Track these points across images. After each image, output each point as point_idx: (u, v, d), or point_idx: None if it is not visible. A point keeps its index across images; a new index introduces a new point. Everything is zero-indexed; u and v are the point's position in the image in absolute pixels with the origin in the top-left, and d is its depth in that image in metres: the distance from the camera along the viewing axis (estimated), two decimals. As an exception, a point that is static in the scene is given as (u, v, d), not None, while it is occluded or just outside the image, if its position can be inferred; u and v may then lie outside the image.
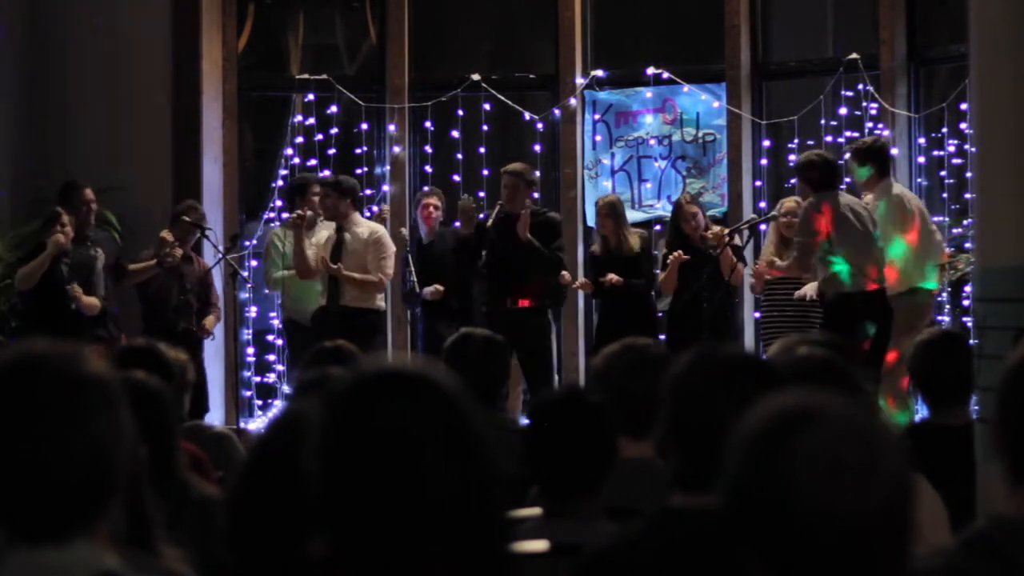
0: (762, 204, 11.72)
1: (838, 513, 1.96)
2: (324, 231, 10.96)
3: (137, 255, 11.04)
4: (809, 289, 9.99)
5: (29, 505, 2.17)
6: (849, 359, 4.04)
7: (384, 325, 11.17)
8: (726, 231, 10.50)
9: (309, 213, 10.99)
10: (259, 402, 12.09)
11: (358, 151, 12.46)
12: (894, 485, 1.99)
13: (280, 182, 12.30)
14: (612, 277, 10.63)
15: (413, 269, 10.94)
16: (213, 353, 11.70)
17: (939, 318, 10.94)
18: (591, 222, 11.86)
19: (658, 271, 10.83)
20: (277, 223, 12.02)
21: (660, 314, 11.09)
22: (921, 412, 7.97)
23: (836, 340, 4.21)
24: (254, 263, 12.18)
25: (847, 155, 10.74)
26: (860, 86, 11.52)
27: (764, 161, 11.97)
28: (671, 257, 10.56)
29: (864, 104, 11.48)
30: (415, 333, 11.77)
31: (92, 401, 2.19)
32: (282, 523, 2.45)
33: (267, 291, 11.71)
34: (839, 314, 9.21)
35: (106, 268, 10.81)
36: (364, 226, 10.91)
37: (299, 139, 12.40)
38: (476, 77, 12.41)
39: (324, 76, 12.54)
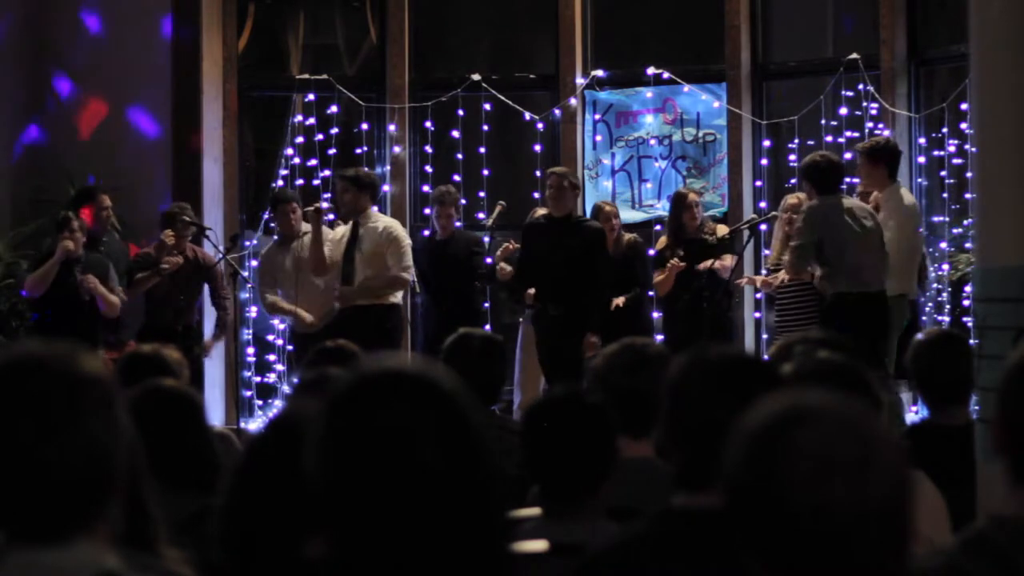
0: (762, 204, 11.72)
1: (834, 512, 1.96)
2: (340, 228, 10.93)
3: (137, 255, 11.03)
4: (780, 276, 9.91)
5: (28, 505, 2.17)
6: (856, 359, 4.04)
7: (399, 319, 11.05)
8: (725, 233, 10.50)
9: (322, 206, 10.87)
10: (259, 402, 12.07)
11: (358, 151, 12.45)
12: (891, 483, 1.99)
13: (280, 182, 12.27)
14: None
15: (412, 268, 10.90)
16: (213, 353, 11.69)
17: (939, 318, 10.94)
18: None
19: (655, 271, 10.76)
20: (275, 235, 11.77)
21: (659, 314, 11.06)
22: (921, 412, 7.96)
23: (838, 339, 4.21)
24: (254, 263, 12.18)
25: (849, 154, 10.74)
26: (860, 86, 11.52)
27: (764, 161, 11.97)
28: (670, 264, 10.51)
29: (864, 104, 11.48)
30: (415, 333, 11.76)
31: (89, 401, 2.19)
32: (278, 523, 2.45)
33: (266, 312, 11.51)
34: (836, 314, 9.19)
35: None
36: (380, 221, 10.86)
37: (299, 139, 12.39)
38: (476, 77, 12.41)
39: (324, 76, 12.53)
